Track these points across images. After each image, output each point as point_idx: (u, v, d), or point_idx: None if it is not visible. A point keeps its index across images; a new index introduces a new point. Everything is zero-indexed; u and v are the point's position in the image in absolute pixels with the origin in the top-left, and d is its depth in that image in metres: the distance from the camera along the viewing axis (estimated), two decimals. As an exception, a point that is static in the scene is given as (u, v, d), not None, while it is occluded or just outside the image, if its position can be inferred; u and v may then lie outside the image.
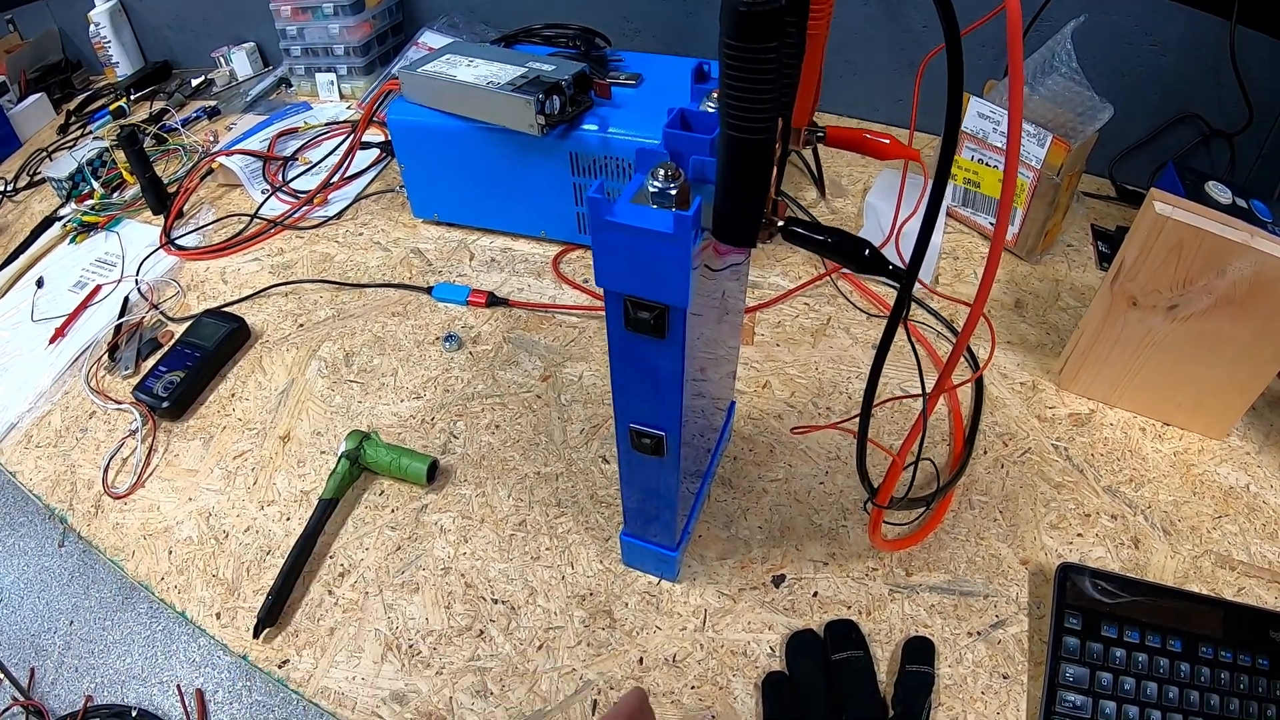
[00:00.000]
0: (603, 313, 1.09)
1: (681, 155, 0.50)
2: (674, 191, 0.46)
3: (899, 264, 0.47)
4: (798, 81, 0.43)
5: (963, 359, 1.02)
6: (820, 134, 0.56)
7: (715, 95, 0.54)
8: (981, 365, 0.93)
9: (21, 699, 1.95)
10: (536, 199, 1.17)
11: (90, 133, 1.65)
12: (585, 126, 1.06)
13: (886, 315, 1.05)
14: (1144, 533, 0.84)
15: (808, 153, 1.28)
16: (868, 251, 0.47)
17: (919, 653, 0.74)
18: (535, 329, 1.10)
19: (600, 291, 1.12)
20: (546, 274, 1.19)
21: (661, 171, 0.46)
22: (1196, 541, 0.83)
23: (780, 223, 0.47)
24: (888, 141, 0.57)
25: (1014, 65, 0.40)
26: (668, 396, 0.57)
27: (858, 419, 0.58)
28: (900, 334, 0.50)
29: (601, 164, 1.08)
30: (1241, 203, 1.00)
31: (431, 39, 1.49)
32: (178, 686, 1.94)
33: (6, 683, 1.99)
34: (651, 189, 0.46)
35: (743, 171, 0.43)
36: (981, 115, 1.10)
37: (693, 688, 0.74)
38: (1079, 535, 0.84)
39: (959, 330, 1.03)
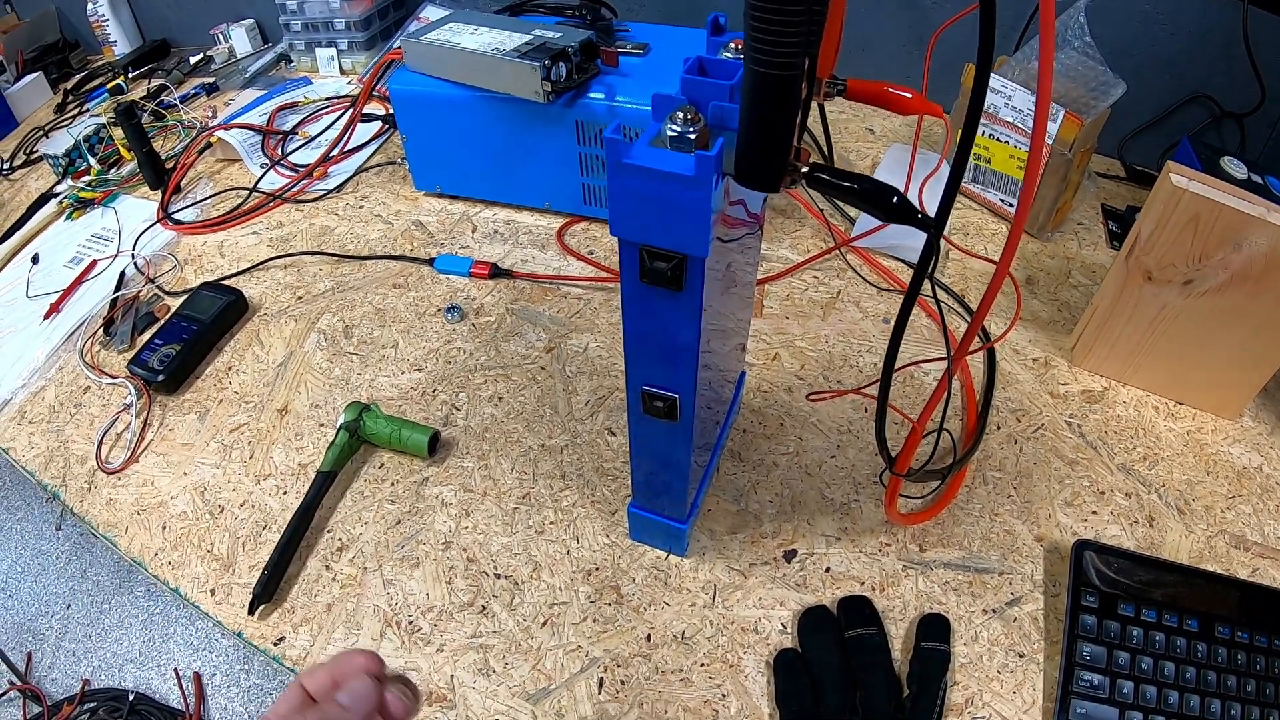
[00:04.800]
0: (608, 284, 1.09)
1: (700, 102, 0.48)
2: (693, 135, 0.44)
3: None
4: (825, 19, 0.41)
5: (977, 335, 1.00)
6: (841, 86, 0.54)
7: (734, 45, 0.52)
8: (1006, 328, 0.92)
9: (18, 683, 1.94)
10: (541, 170, 1.15)
11: (87, 111, 1.63)
12: (592, 95, 1.05)
13: (897, 289, 1.05)
14: (1158, 511, 0.83)
15: (817, 126, 1.26)
16: (895, 199, 0.45)
17: (934, 630, 0.73)
18: (539, 301, 1.08)
19: (605, 263, 1.12)
20: (551, 246, 1.17)
21: (680, 115, 0.44)
22: (1210, 521, 0.82)
23: (804, 169, 0.45)
24: (910, 95, 0.55)
25: (1045, 50, 0.38)
26: (683, 355, 0.55)
27: (874, 385, 0.57)
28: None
29: (608, 133, 1.06)
30: (1257, 178, 0.99)
31: (433, 13, 1.47)
32: (175, 670, 1.93)
33: (3, 667, 1.98)
34: (670, 133, 0.44)
35: (768, 110, 0.41)
36: (992, 90, 1.08)
37: (702, 665, 0.72)
38: (1093, 513, 0.82)
39: (967, 303, 1.02)
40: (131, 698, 1.88)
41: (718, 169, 0.43)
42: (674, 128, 0.45)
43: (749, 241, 0.66)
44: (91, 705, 1.88)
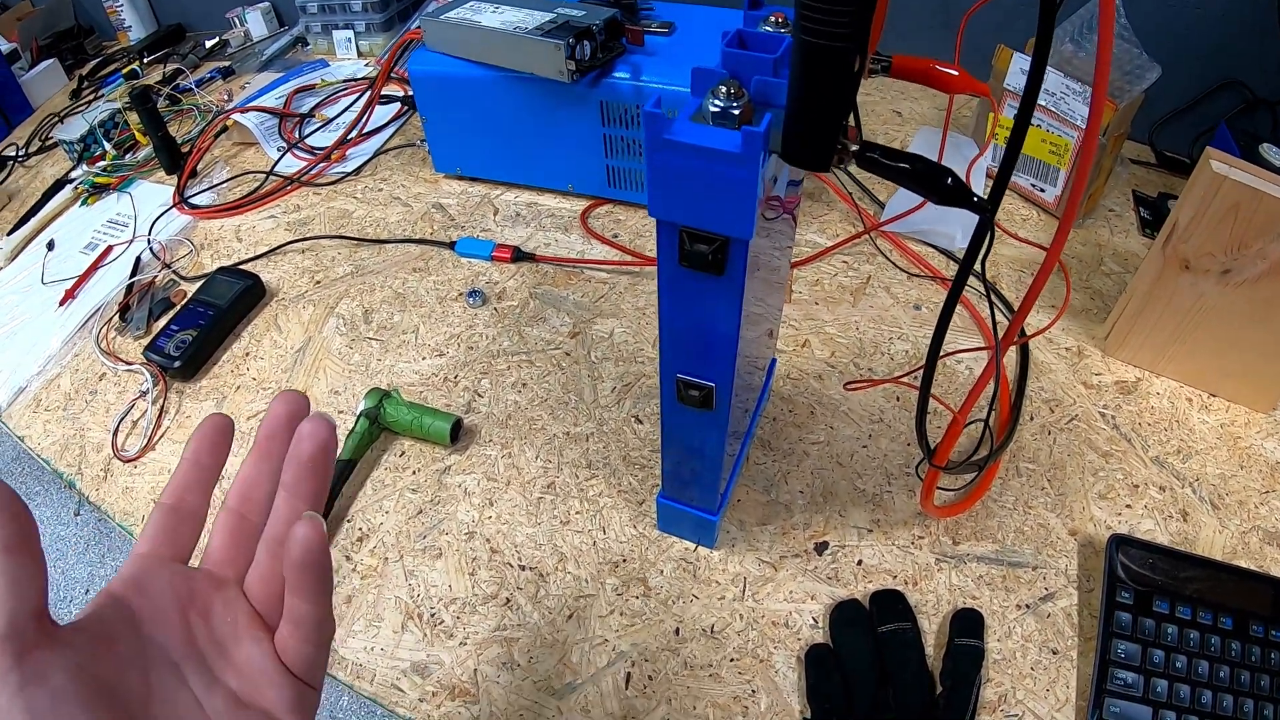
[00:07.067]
0: (633, 268, 1.08)
1: (742, 77, 0.46)
2: (737, 111, 0.42)
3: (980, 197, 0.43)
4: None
5: (1006, 321, 0.99)
6: (886, 63, 0.52)
7: (774, 19, 0.50)
8: (1050, 321, 0.90)
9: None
10: (564, 151, 1.14)
11: (102, 96, 1.63)
12: (617, 74, 1.03)
13: (927, 275, 1.04)
14: (1192, 505, 0.81)
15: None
16: (950, 180, 0.43)
17: (968, 625, 0.71)
18: (563, 285, 1.07)
19: (629, 247, 1.11)
20: (574, 229, 1.16)
21: (723, 89, 0.42)
22: (1244, 516, 0.80)
23: (855, 147, 0.43)
24: (956, 74, 0.53)
25: (1104, 43, 0.36)
26: (721, 342, 0.53)
27: (915, 373, 0.55)
28: (937, 300, 0.46)
29: (634, 114, 1.05)
30: (1296, 166, 0.97)
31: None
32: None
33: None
34: (712, 108, 0.42)
35: (820, 84, 0.39)
36: (1024, 72, 1.06)
37: (732, 660, 0.71)
38: (1127, 506, 0.81)
39: (998, 289, 1.01)
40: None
41: (766, 145, 0.41)
42: (716, 103, 0.43)
43: (783, 225, 0.64)
44: (108, 691, 1.88)
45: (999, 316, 1.00)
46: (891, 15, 1.31)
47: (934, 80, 0.54)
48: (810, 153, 0.42)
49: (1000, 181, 0.44)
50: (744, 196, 0.42)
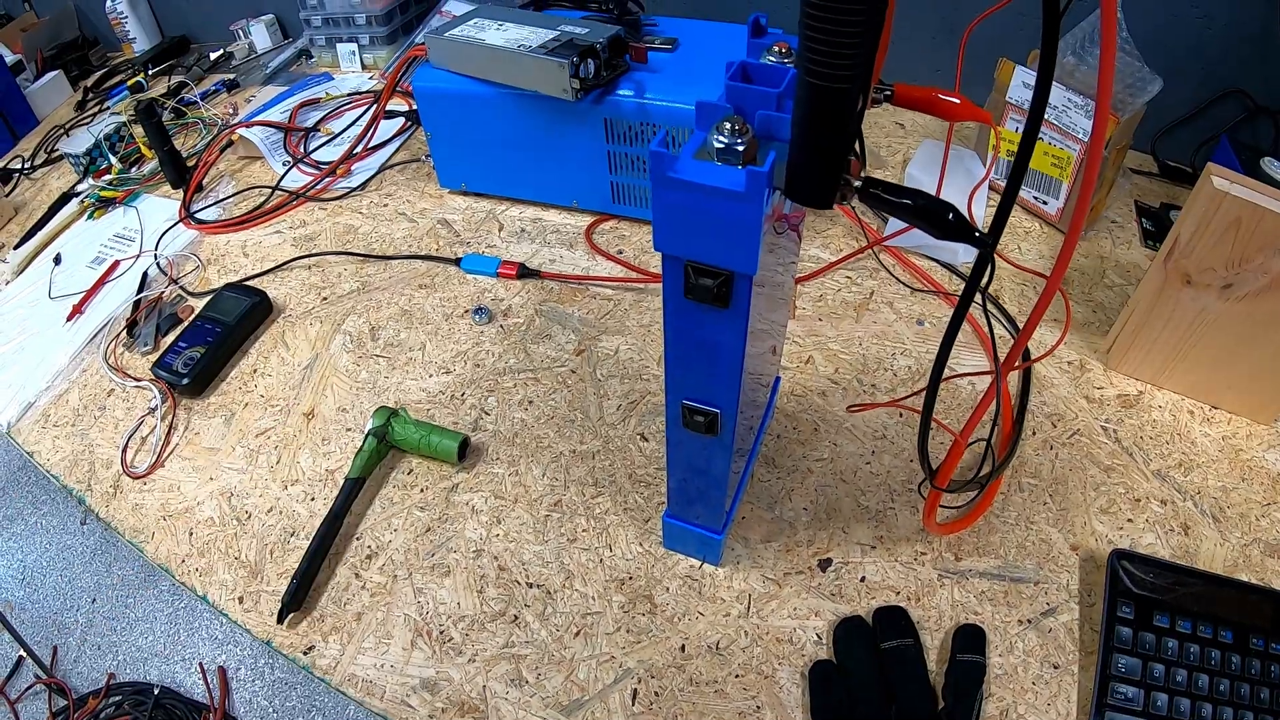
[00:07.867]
0: (638, 285, 1.08)
1: (746, 111, 0.47)
2: (742, 147, 0.43)
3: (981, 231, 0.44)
4: (883, 24, 0.39)
5: (1011, 340, 0.99)
6: (888, 92, 0.53)
7: (777, 49, 0.51)
8: (1054, 344, 0.90)
9: (44, 677, 1.96)
10: (568, 168, 1.14)
11: (108, 108, 1.63)
12: (621, 92, 1.03)
13: (930, 290, 1.04)
14: (1193, 519, 0.81)
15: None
16: (951, 216, 0.43)
17: (970, 641, 0.72)
18: (568, 301, 1.07)
19: (634, 263, 1.11)
20: (579, 245, 1.16)
21: (728, 125, 0.43)
22: (1245, 529, 0.80)
23: (857, 183, 0.43)
24: (958, 102, 0.54)
25: (1106, 57, 0.36)
26: (726, 371, 0.54)
27: (915, 396, 0.55)
28: (940, 315, 0.47)
29: (638, 130, 1.05)
30: (1298, 179, 0.97)
31: (455, 7, 1.46)
32: (200, 665, 1.93)
33: (29, 661, 2.00)
34: (717, 144, 0.43)
35: (824, 125, 0.39)
36: (1026, 86, 1.07)
37: (737, 676, 0.72)
38: (1129, 520, 0.81)
39: (1001, 304, 1.01)
40: (156, 691, 1.89)
41: (770, 184, 0.42)
42: (721, 139, 0.43)
43: (788, 241, 0.65)
44: (117, 699, 1.89)
45: (1001, 331, 1.00)
46: (893, 22, 1.30)
47: (937, 109, 0.54)
48: (814, 191, 0.43)
49: (1000, 217, 0.44)
50: (748, 233, 0.43)
